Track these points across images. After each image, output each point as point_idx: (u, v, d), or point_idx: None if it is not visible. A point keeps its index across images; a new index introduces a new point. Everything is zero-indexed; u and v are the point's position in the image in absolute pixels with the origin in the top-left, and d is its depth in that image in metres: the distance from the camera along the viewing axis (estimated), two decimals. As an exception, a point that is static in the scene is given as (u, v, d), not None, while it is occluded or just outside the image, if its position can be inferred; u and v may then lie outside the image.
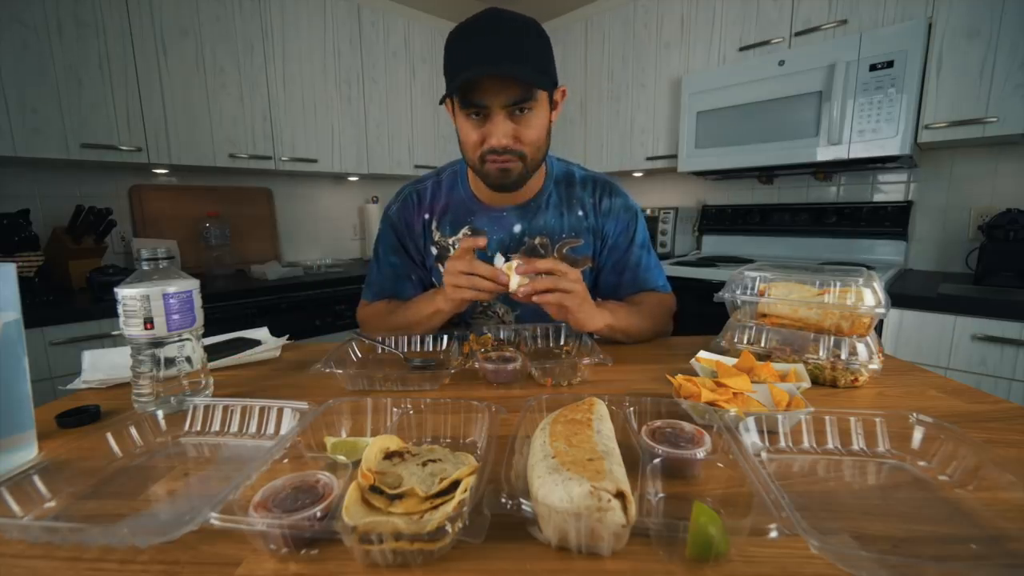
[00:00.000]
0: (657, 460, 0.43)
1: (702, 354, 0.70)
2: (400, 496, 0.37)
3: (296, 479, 0.39)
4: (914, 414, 0.49)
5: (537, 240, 0.94)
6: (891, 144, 1.63)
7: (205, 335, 0.68)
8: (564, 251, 0.95)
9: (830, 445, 0.50)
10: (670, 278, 1.04)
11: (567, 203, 0.95)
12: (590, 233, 0.96)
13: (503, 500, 0.34)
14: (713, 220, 2.43)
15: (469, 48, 0.74)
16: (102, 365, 0.76)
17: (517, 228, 0.94)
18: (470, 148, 0.81)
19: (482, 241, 0.77)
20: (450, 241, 0.97)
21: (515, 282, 0.65)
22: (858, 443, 0.50)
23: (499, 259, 0.67)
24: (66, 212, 1.79)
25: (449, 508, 0.35)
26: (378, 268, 1.02)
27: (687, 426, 0.47)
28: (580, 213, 0.95)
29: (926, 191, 1.90)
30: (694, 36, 2.19)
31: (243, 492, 0.36)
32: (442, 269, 0.97)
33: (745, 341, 0.76)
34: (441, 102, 0.84)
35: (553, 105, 0.83)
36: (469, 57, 0.74)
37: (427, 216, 0.98)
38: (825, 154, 1.77)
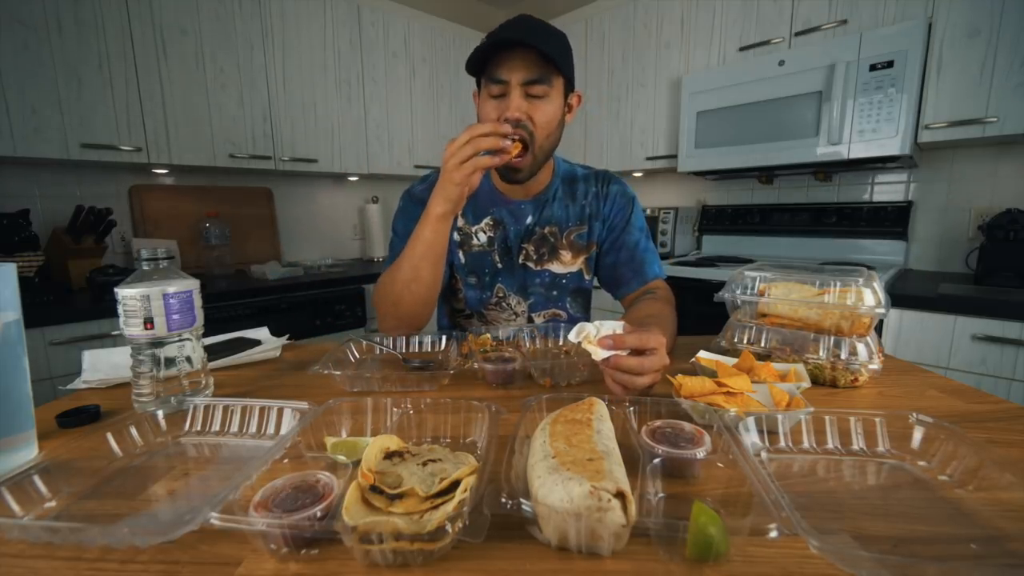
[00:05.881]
0: (657, 460, 0.43)
1: (702, 354, 0.70)
2: (400, 496, 0.37)
3: (296, 479, 0.39)
4: (914, 414, 0.49)
5: (547, 230, 1.01)
6: (891, 144, 1.63)
7: (205, 335, 0.68)
8: (571, 238, 1.02)
9: (830, 445, 0.50)
10: (670, 278, 1.05)
11: (571, 196, 1.02)
12: (592, 219, 1.02)
13: (503, 500, 0.34)
14: (713, 220, 2.43)
15: (497, 34, 0.82)
16: (102, 365, 0.76)
17: (529, 220, 1.00)
18: None
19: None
20: (472, 230, 1.01)
21: (599, 355, 0.60)
22: (858, 443, 0.50)
23: (590, 327, 0.62)
24: (66, 212, 1.79)
25: (449, 508, 0.35)
26: (399, 241, 1.00)
27: (687, 426, 0.47)
28: (583, 203, 1.02)
29: (926, 191, 1.90)
30: (694, 36, 2.19)
31: (243, 492, 0.36)
32: (463, 257, 1.02)
33: (745, 341, 0.76)
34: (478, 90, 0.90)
35: (568, 107, 0.91)
36: (494, 38, 0.81)
37: None
38: (825, 154, 1.77)
